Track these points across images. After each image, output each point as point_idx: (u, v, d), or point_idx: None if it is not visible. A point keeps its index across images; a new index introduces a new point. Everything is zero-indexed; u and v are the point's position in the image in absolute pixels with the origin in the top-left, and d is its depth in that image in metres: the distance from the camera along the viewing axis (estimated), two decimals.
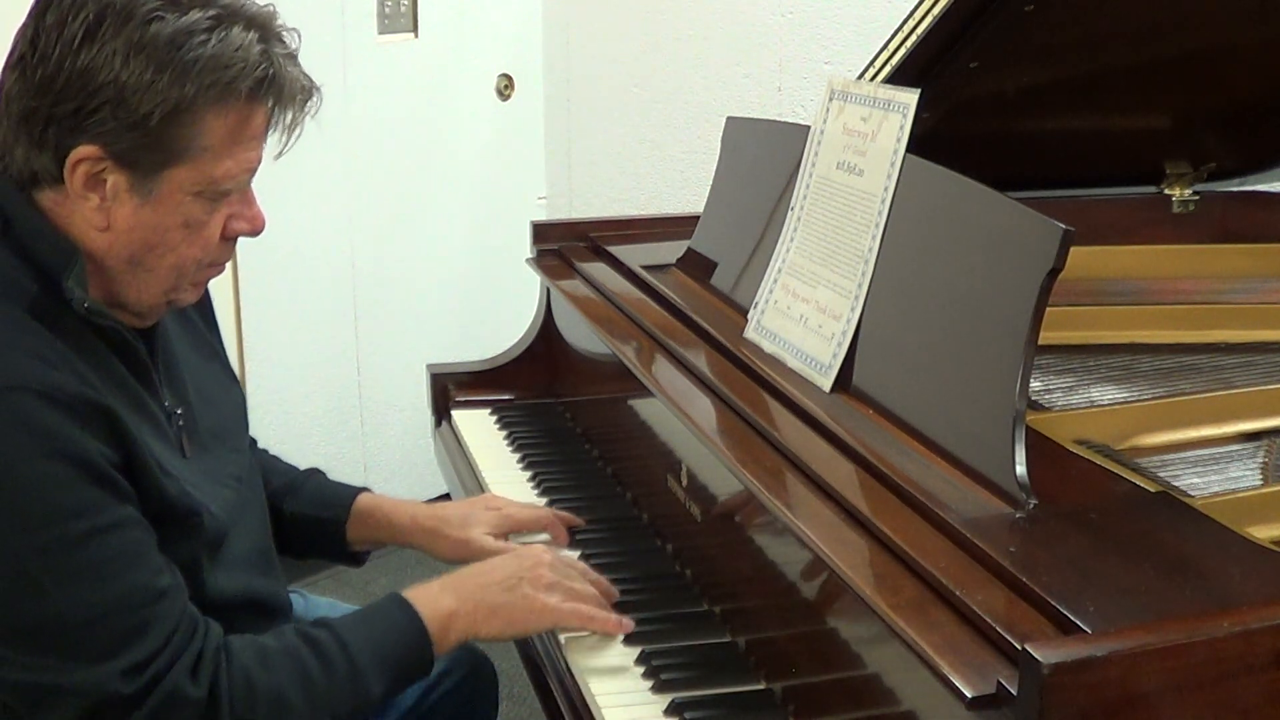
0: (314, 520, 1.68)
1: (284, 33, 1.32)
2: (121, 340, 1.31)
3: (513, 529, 1.70)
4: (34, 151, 1.26)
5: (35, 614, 1.20)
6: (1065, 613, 1.00)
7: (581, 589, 1.47)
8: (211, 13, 1.25)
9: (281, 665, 1.30)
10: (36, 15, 1.26)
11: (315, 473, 1.74)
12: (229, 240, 1.35)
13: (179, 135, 1.25)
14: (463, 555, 1.67)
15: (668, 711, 1.35)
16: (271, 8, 1.32)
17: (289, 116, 1.32)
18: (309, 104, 1.33)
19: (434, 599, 1.40)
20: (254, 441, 1.69)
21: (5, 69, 1.28)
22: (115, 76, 1.22)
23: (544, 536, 1.70)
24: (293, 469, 1.73)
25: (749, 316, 1.67)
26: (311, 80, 1.33)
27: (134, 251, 1.30)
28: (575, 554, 1.68)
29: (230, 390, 1.56)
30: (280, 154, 1.34)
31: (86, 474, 1.21)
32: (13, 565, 1.20)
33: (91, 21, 1.22)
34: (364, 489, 1.73)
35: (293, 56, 1.32)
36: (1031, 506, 1.17)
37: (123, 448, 1.25)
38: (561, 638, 1.49)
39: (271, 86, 1.28)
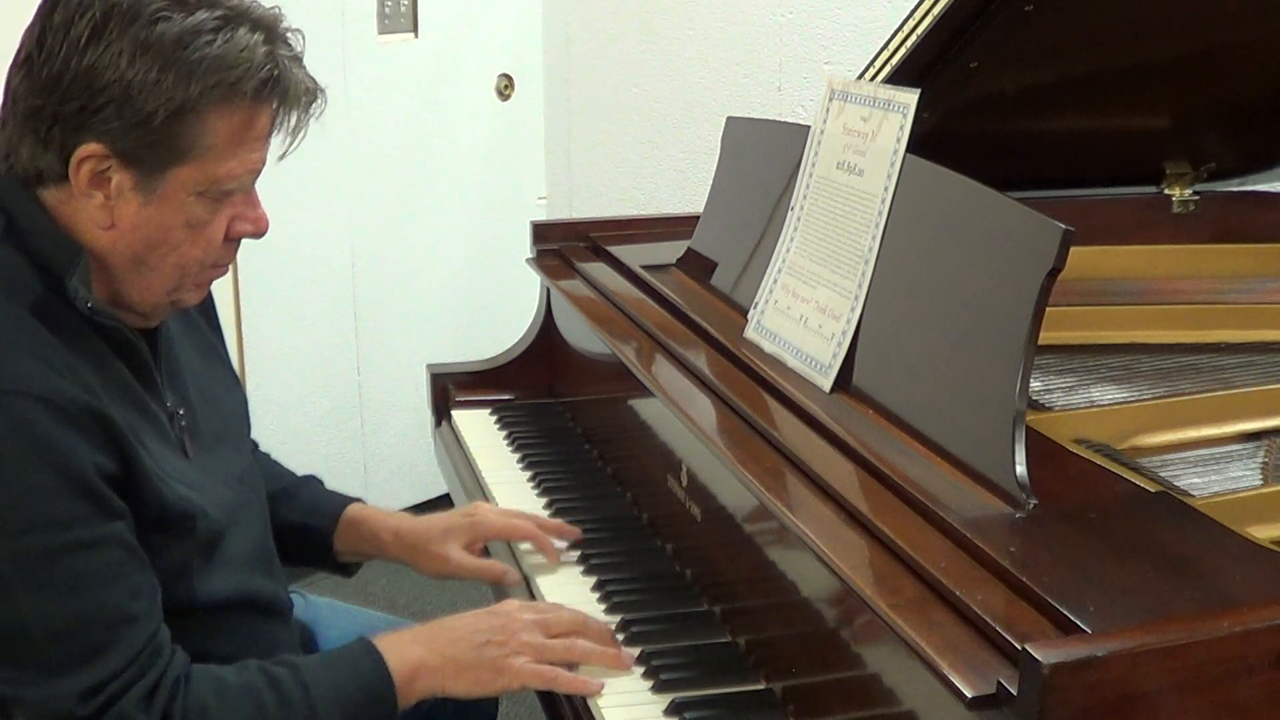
0: (302, 528, 1.66)
1: (289, 35, 1.32)
2: (124, 340, 1.31)
3: (485, 537, 1.67)
4: (39, 149, 1.26)
5: (2, 621, 1.20)
6: (1065, 613, 1.00)
7: (560, 646, 1.41)
8: (218, 13, 1.25)
9: (238, 702, 1.28)
10: (43, 15, 1.26)
11: (311, 480, 1.73)
12: (232, 241, 1.35)
13: (183, 134, 1.25)
14: (442, 572, 1.65)
15: (668, 711, 1.35)
16: (277, 10, 1.32)
17: (294, 118, 1.32)
18: (314, 106, 1.33)
19: (404, 649, 1.37)
20: (255, 445, 1.69)
21: (12, 68, 1.28)
22: (121, 75, 1.22)
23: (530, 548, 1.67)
24: (289, 475, 1.72)
25: (749, 316, 1.67)
26: (316, 83, 1.33)
27: (137, 250, 1.29)
28: (575, 554, 1.67)
29: (233, 391, 1.55)
30: (284, 156, 1.35)
31: (75, 487, 1.20)
32: None
33: (98, 20, 1.22)
34: (356, 499, 1.70)
35: (298, 59, 1.32)
36: (1031, 506, 1.17)
37: (120, 455, 1.24)
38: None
39: (276, 87, 1.28)
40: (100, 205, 1.27)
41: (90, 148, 1.24)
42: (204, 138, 1.26)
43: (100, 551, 1.22)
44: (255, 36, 1.26)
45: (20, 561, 1.19)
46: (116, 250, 1.29)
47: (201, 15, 1.24)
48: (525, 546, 1.69)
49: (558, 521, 1.72)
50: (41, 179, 1.28)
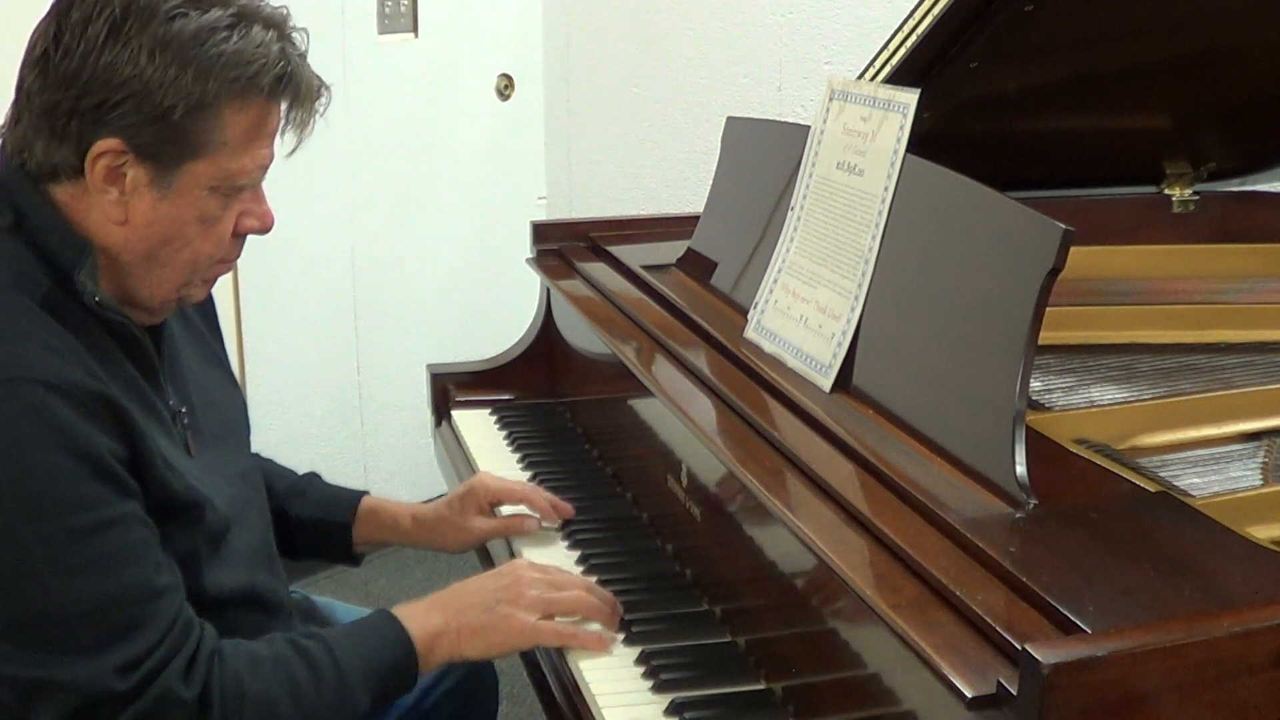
0: (321, 523, 1.70)
1: (295, 33, 1.34)
2: (130, 336, 1.32)
3: (486, 499, 1.73)
4: (55, 145, 1.27)
5: (34, 605, 1.21)
6: (1065, 613, 1.00)
7: (570, 597, 1.46)
8: (231, 11, 1.28)
9: (272, 673, 1.31)
10: (59, 13, 1.28)
11: (314, 477, 1.76)
12: (239, 237, 1.37)
13: (200, 130, 1.27)
14: (467, 542, 1.73)
15: (668, 711, 1.35)
16: (284, 9, 1.34)
17: (302, 115, 1.34)
18: (320, 103, 1.36)
19: (422, 617, 1.41)
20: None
21: (25, 66, 1.29)
22: (140, 71, 1.24)
23: (526, 510, 1.74)
24: (291, 473, 1.75)
25: (749, 316, 1.67)
26: (322, 80, 1.36)
27: (150, 246, 1.31)
28: (575, 554, 1.68)
29: (232, 395, 1.57)
30: (292, 152, 1.37)
31: (92, 468, 1.22)
32: (15, 555, 1.20)
33: (117, 18, 1.24)
34: (364, 492, 1.75)
35: (303, 56, 1.35)
36: (1031, 506, 1.17)
37: (129, 442, 1.26)
38: None
39: (289, 84, 1.31)
40: (115, 201, 1.28)
41: (107, 143, 1.26)
42: (219, 133, 1.28)
43: (123, 529, 1.24)
44: (269, 34, 1.29)
45: (48, 545, 1.20)
46: (129, 246, 1.30)
47: (215, 13, 1.27)
48: (523, 542, 1.72)
49: (553, 497, 1.75)
50: (55, 175, 1.29)
